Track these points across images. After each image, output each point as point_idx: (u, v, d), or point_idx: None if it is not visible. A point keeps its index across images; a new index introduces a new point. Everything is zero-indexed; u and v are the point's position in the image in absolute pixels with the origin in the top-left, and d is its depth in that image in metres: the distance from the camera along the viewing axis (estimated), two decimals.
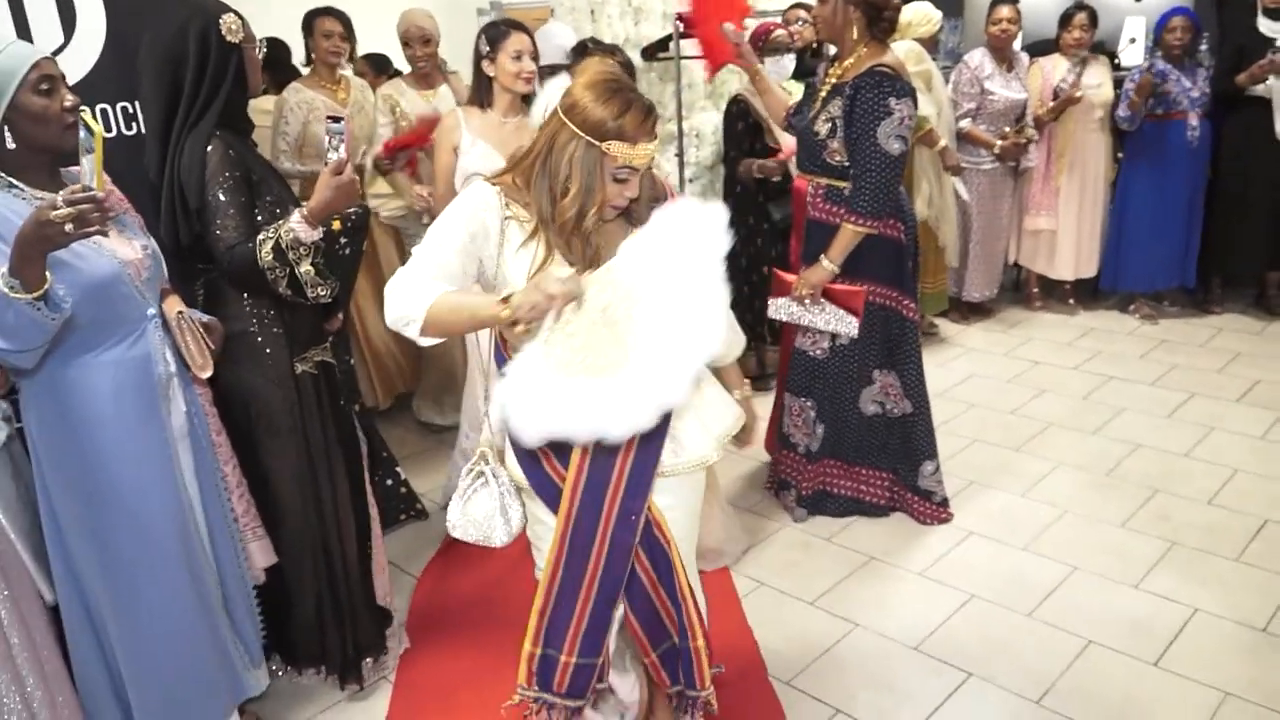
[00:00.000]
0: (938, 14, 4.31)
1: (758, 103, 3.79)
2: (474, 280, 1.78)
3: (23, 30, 2.18)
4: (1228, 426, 3.79)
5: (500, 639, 2.61)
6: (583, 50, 2.84)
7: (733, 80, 4.36)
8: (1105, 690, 2.40)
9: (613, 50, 2.76)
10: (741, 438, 2.02)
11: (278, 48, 4.09)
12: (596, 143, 1.64)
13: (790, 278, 3.01)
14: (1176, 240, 4.85)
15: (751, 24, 4.12)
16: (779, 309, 3.07)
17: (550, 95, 1.94)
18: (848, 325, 2.95)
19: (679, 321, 1.57)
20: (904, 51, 4.24)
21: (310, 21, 3.74)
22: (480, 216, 1.74)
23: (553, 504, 1.81)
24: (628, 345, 1.57)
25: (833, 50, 3.50)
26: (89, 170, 1.62)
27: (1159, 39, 4.73)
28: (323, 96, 3.70)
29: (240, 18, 2.15)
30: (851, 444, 3.17)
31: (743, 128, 3.93)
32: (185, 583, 2.05)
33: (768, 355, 4.33)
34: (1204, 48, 4.98)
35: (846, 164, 2.85)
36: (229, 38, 2.11)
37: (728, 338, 1.83)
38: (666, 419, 1.76)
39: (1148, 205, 4.82)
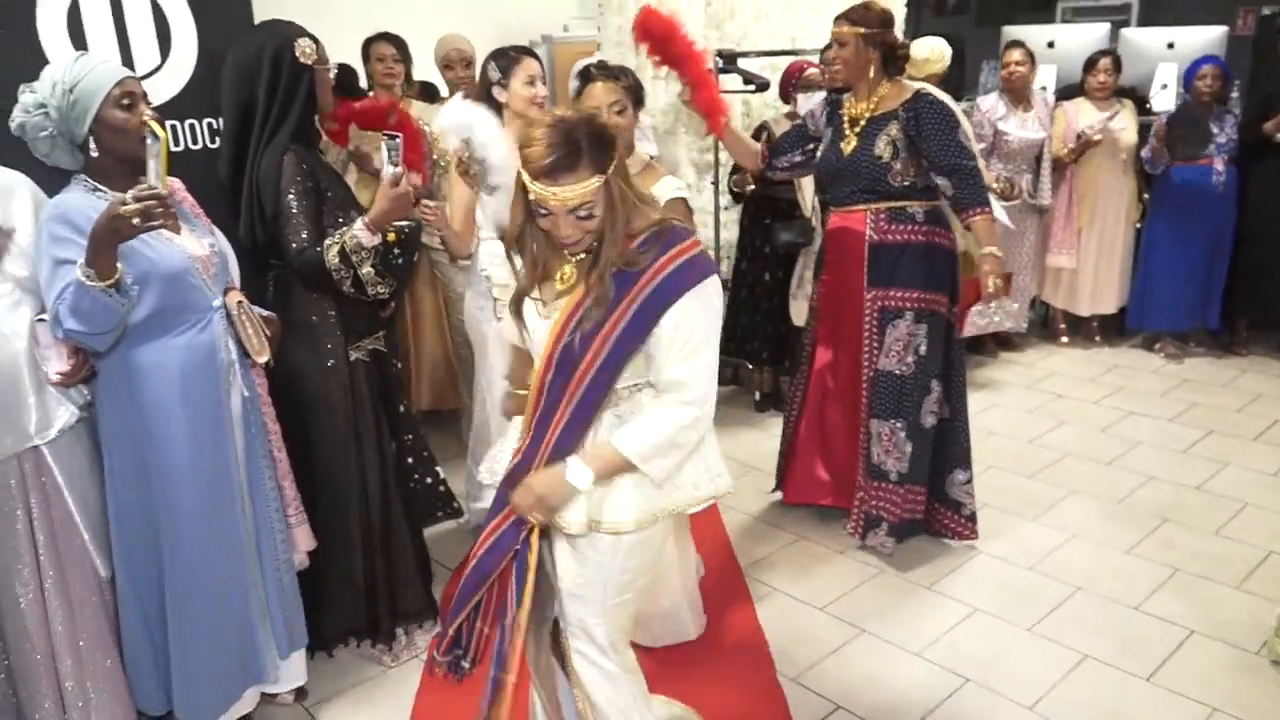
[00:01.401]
0: (948, 49, 4.48)
1: (780, 130, 3.98)
2: None
3: (125, 52, 2.44)
4: (1242, 463, 3.88)
5: None
6: (587, 76, 2.96)
7: (768, 112, 4.56)
8: (1096, 700, 2.52)
9: (617, 75, 2.87)
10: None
11: (346, 74, 4.36)
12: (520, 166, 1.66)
13: (974, 280, 3.04)
14: (1200, 282, 4.95)
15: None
16: (976, 322, 3.09)
17: None
18: (1022, 317, 3.05)
19: None
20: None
21: (367, 47, 3.98)
22: None
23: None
24: None
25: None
26: (154, 171, 1.83)
27: (1190, 86, 4.86)
28: None
29: (315, 41, 2.40)
30: (920, 459, 3.17)
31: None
32: (230, 561, 2.22)
33: (767, 377, 4.59)
34: (1235, 95, 5.10)
35: (908, 183, 3.01)
36: (302, 59, 2.36)
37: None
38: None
39: (1172, 247, 4.94)
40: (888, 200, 3.06)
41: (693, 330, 1.70)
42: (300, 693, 2.60)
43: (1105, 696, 2.53)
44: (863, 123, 3.07)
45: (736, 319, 4.43)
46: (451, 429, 4.41)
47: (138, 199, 1.78)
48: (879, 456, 3.16)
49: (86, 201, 2.00)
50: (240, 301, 2.23)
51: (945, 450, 3.25)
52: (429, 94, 4.84)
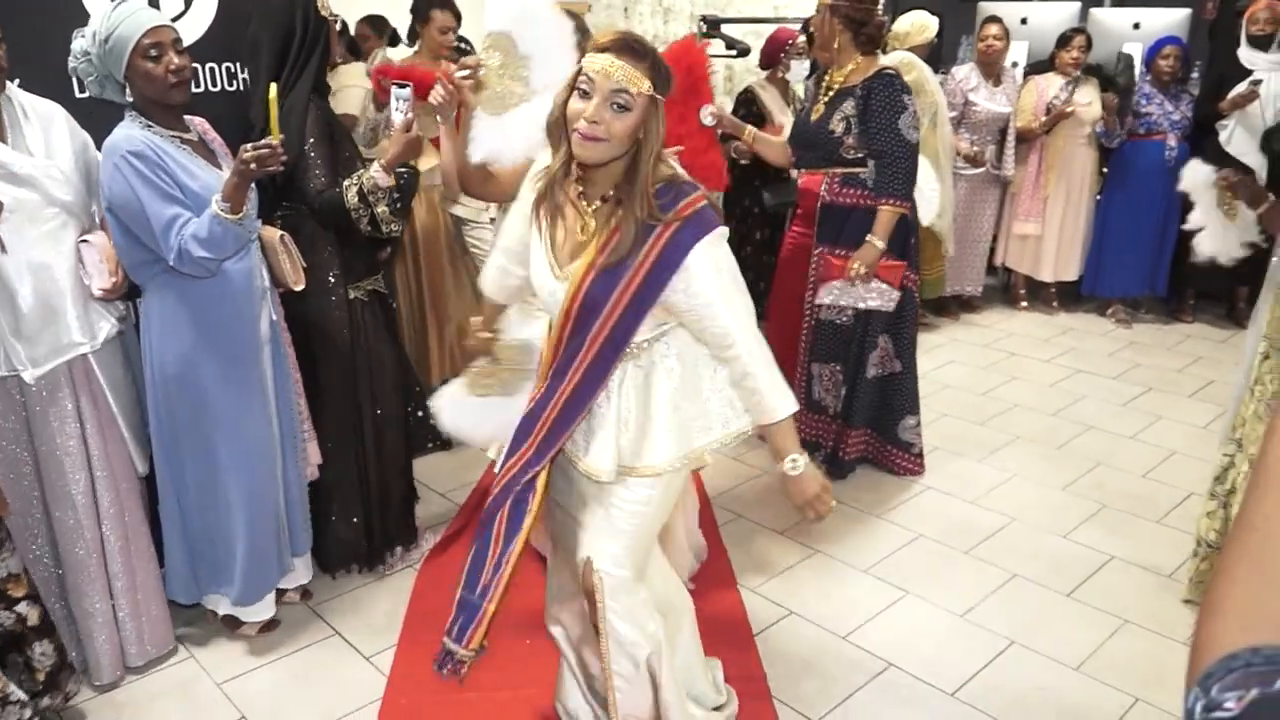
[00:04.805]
0: (933, 21, 4.72)
1: (765, 95, 4.21)
2: None
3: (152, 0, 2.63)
4: (1175, 416, 4.19)
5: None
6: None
7: (749, 77, 4.79)
8: (1020, 610, 2.82)
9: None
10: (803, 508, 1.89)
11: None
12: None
13: (839, 261, 3.25)
14: (1151, 252, 5.25)
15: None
16: (830, 293, 3.29)
17: None
18: (890, 298, 3.27)
19: None
20: (896, 62, 4.64)
21: (428, 11, 3.91)
22: None
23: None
24: None
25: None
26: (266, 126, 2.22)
27: (1150, 64, 5.12)
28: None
29: None
30: (857, 406, 3.51)
31: (744, 115, 4.34)
32: (266, 463, 2.50)
33: None
34: (1195, 75, 5.37)
35: (860, 154, 3.24)
36: (323, 12, 2.57)
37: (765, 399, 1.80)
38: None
39: (1125, 217, 5.23)
40: (842, 167, 3.30)
41: (722, 281, 1.74)
42: (305, 593, 2.86)
43: (1028, 609, 2.83)
44: (831, 93, 3.31)
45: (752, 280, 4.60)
46: None
47: (255, 148, 2.13)
48: (819, 394, 3.52)
49: (144, 136, 2.22)
50: (283, 235, 2.48)
51: (897, 400, 3.58)
52: (378, 28, 4.84)
